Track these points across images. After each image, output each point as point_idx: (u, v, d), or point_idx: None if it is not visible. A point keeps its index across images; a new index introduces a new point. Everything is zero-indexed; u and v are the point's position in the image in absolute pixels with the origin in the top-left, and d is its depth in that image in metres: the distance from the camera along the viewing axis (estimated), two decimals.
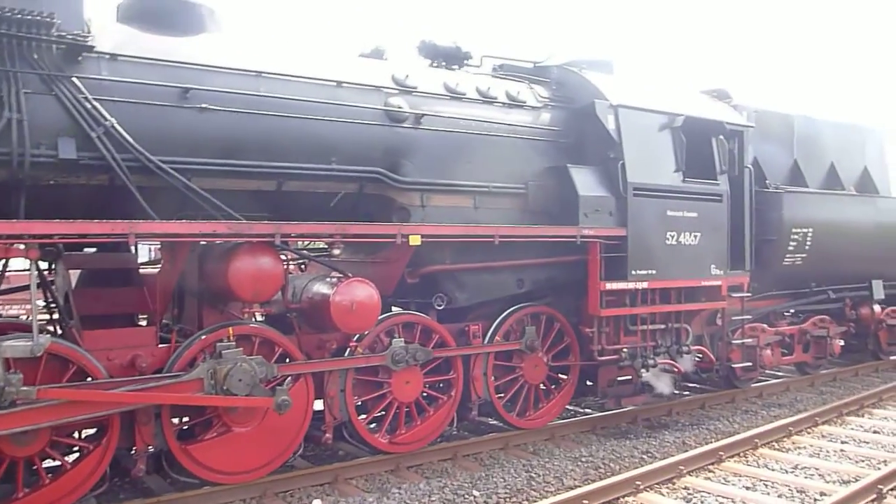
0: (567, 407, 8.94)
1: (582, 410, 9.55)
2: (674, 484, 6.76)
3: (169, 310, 6.73)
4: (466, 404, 7.68)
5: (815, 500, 6.38)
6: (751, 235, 9.57)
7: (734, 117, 9.61)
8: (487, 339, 7.75)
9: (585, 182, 7.95)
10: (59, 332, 6.54)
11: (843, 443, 8.17)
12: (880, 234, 11.63)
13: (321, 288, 6.53)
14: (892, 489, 6.52)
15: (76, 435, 5.99)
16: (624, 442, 8.21)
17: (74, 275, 6.58)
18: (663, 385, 8.78)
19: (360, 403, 7.11)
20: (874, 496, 6.31)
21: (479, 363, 7.71)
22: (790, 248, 10.33)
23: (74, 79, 5.71)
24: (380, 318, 6.80)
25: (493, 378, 7.82)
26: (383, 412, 7.20)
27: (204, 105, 6.18)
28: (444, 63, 8.39)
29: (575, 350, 8.43)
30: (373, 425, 7.37)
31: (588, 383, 8.91)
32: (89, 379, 5.52)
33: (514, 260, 7.74)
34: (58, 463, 5.72)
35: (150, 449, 5.87)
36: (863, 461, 7.49)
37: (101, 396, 5.41)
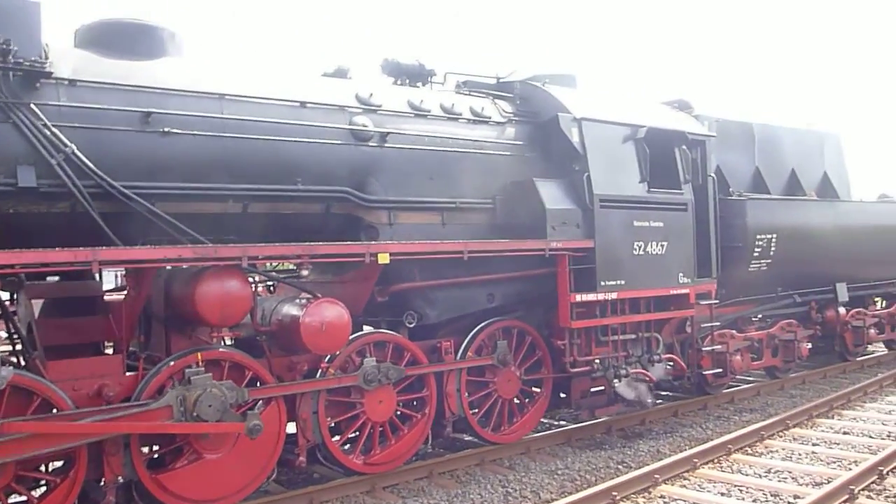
0: (541, 420, 8.95)
1: (556, 423, 9.56)
2: (650, 493, 6.79)
3: (135, 337, 6.61)
4: (441, 421, 7.64)
5: (789, 502, 6.45)
6: (716, 243, 9.69)
7: (696, 127, 9.74)
8: (460, 354, 7.73)
9: (552, 195, 7.99)
10: (23, 363, 6.40)
11: (814, 445, 8.28)
12: (842, 238, 11.84)
13: (290, 309, 6.47)
14: (863, 489, 6.62)
15: (43, 468, 5.85)
16: (599, 453, 8.23)
17: (37, 304, 6.45)
18: (643, 395, 8.81)
19: (333, 425, 7.03)
20: (846, 497, 6.39)
21: (452, 379, 7.68)
22: (755, 254, 10.48)
23: (33, 105, 5.64)
24: (350, 337, 6.75)
25: (466, 394, 7.80)
26: (357, 433, 7.14)
27: (166, 129, 6.14)
28: (407, 81, 8.42)
29: (547, 363, 8.45)
30: (347, 446, 7.30)
31: (561, 395, 8.91)
32: (55, 410, 5.39)
33: (484, 275, 7.75)
34: (24, 498, 5.58)
35: (120, 479, 5.73)
36: (834, 462, 7.59)
37: (68, 428, 5.29)
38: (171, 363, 5.93)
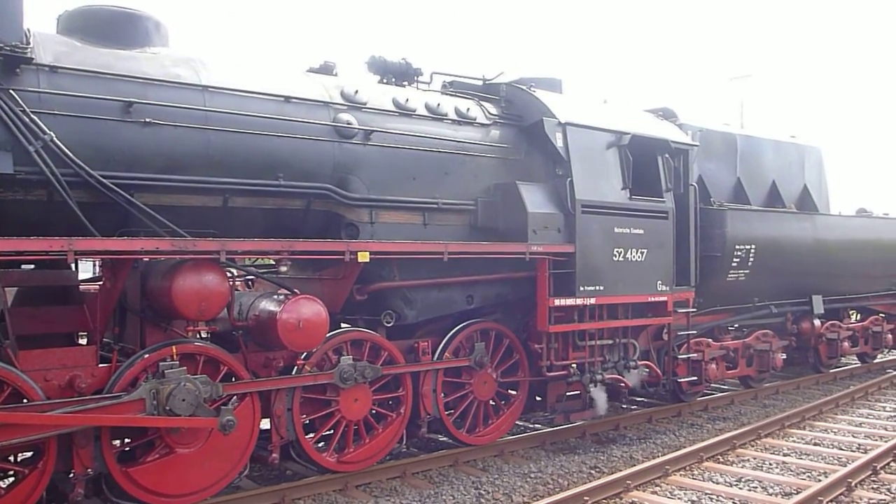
0: (516, 423, 8.96)
1: (531, 426, 9.58)
2: (621, 498, 6.82)
3: (110, 328, 6.55)
4: (416, 421, 7.64)
5: None
6: (696, 252, 9.74)
7: (680, 136, 9.79)
8: (437, 355, 7.72)
9: (534, 199, 7.99)
10: None
11: (785, 455, 8.35)
12: (819, 251, 11.94)
13: (268, 305, 6.43)
14: (831, 501, 6.68)
15: (11, 458, 5.79)
16: (573, 457, 8.26)
17: (11, 293, 6.37)
18: (600, 401, 8.83)
19: (307, 422, 7.01)
20: None
21: (429, 380, 7.68)
22: (734, 264, 10.55)
23: (12, 91, 5.56)
24: (328, 335, 6.73)
25: (442, 395, 7.80)
26: (331, 430, 7.12)
27: (147, 119, 6.07)
28: (393, 79, 8.38)
29: (524, 366, 8.46)
30: (321, 444, 7.27)
31: (537, 399, 8.93)
32: (25, 401, 5.32)
33: (464, 276, 7.75)
34: None
35: (90, 472, 5.68)
36: (804, 473, 7.66)
37: (38, 419, 5.23)
38: (146, 356, 5.89)
